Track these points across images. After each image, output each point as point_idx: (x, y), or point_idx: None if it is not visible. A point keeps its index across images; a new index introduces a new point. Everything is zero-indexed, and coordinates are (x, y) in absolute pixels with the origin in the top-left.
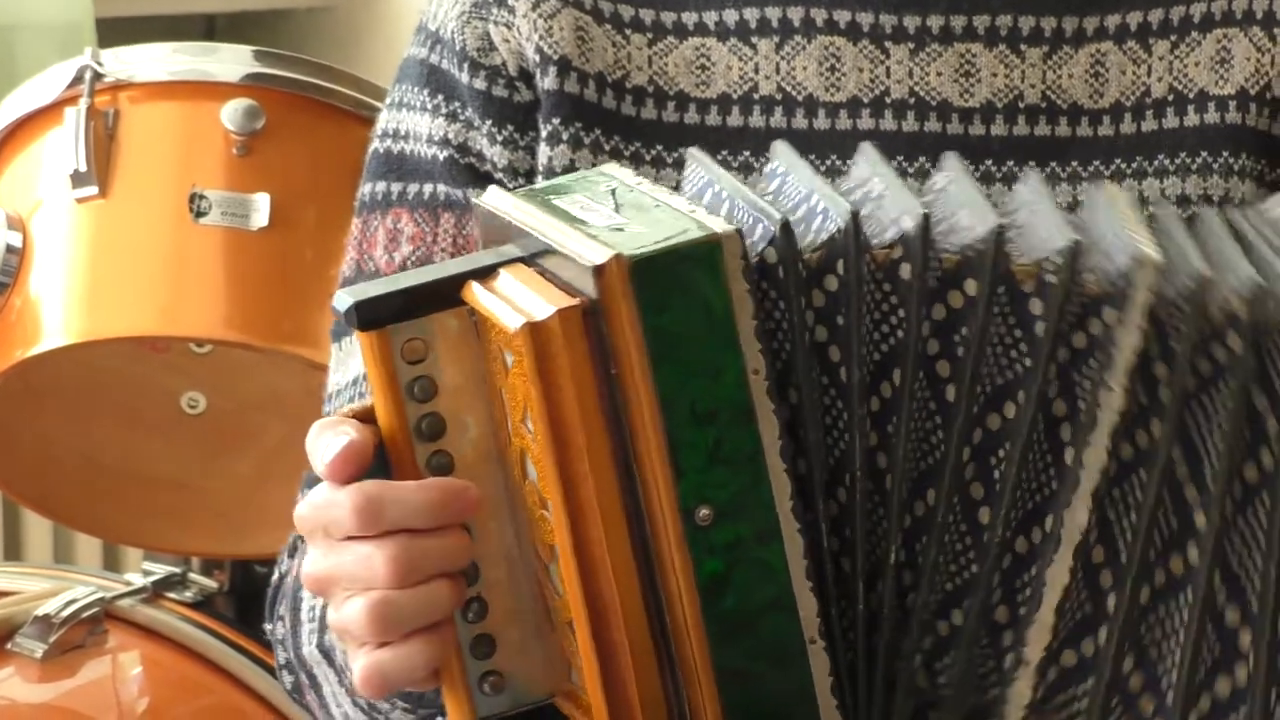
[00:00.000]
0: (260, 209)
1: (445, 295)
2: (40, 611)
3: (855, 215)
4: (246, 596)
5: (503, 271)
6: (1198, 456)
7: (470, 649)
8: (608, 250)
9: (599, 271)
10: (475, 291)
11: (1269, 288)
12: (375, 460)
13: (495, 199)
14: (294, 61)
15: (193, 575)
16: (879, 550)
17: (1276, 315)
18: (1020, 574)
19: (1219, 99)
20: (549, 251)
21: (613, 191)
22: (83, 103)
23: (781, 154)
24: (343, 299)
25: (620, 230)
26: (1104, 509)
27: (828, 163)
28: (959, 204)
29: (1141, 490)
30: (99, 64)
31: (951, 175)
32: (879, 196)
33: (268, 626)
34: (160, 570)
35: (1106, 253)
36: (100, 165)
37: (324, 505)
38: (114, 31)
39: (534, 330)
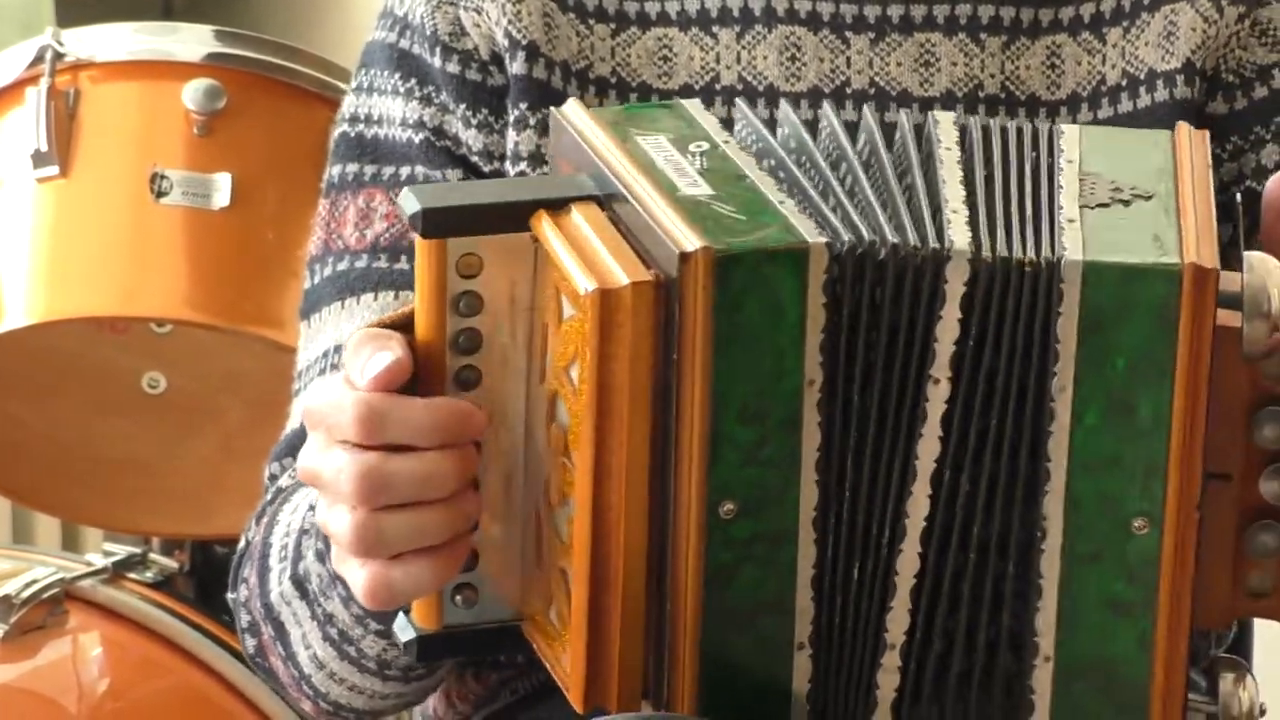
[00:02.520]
0: (221, 189)
1: (513, 218)
2: (0, 592)
3: (898, 248)
4: (207, 577)
5: (575, 209)
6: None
7: None
8: (697, 238)
9: (685, 258)
10: (546, 227)
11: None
12: None
13: (576, 117)
14: (255, 41)
15: (153, 556)
16: (860, 562)
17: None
18: (892, 565)
19: (1166, 74)
20: (625, 198)
21: (702, 153)
22: (44, 82)
23: (788, 122)
24: (410, 200)
25: (706, 205)
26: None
27: None
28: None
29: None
30: (60, 44)
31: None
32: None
33: (230, 595)
34: (121, 551)
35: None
36: (61, 145)
37: (332, 405)
38: (72, 10)
39: (605, 296)
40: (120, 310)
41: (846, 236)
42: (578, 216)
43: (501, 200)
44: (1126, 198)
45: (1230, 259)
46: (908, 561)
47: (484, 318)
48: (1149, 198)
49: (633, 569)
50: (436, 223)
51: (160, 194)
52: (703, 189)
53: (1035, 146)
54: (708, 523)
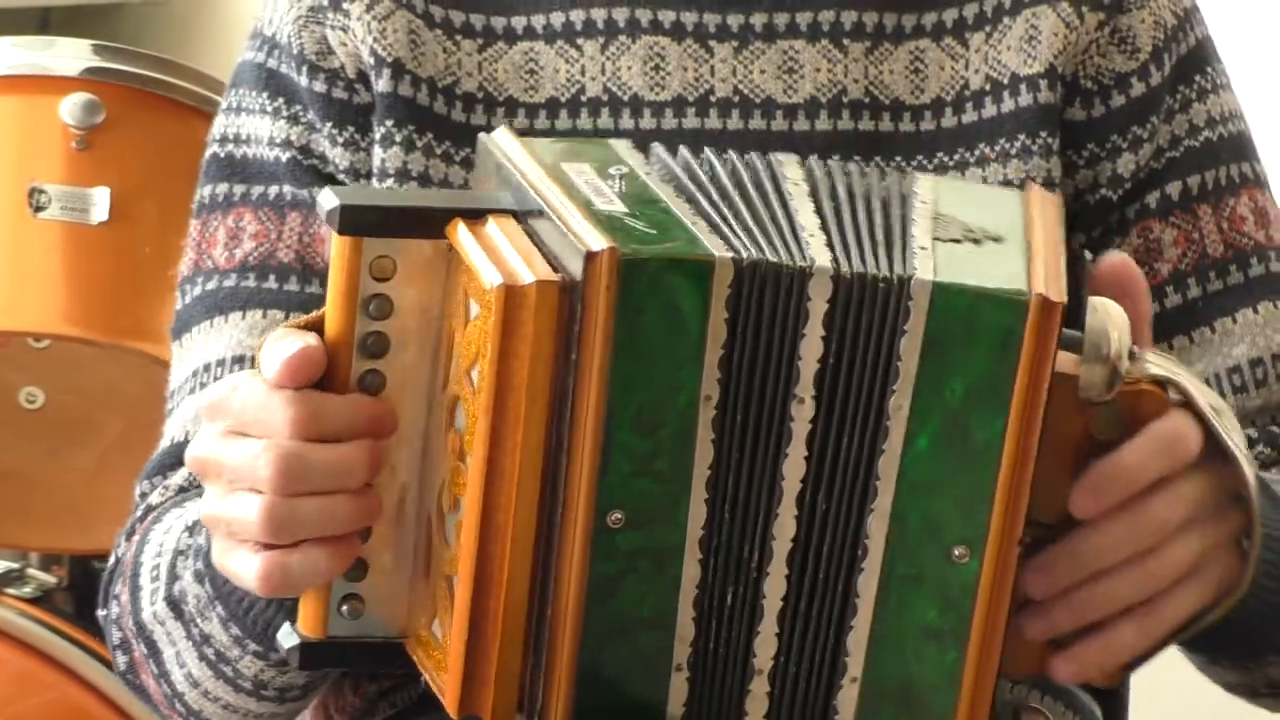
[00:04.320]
0: (100, 203)
1: (429, 224)
2: None
3: (780, 265)
4: (85, 592)
5: (491, 219)
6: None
7: None
8: (604, 240)
9: (590, 258)
10: (460, 232)
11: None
12: None
13: (504, 143)
14: (133, 55)
15: (31, 571)
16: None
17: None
18: (759, 589)
19: (1029, 79)
20: (543, 215)
21: (622, 177)
22: None
23: (659, 156)
24: (329, 197)
25: (620, 219)
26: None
27: None
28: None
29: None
30: None
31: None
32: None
33: (101, 612)
34: None
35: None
36: None
37: (258, 404)
38: None
39: (510, 292)
40: None
41: (745, 254)
42: (493, 227)
43: (420, 205)
44: (978, 238)
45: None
46: (775, 585)
47: (393, 323)
48: (1000, 240)
49: (517, 573)
50: (354, 220)
51: (38, 208)
52: (618, 207)
53: (885, 187)
54: (594, 530)
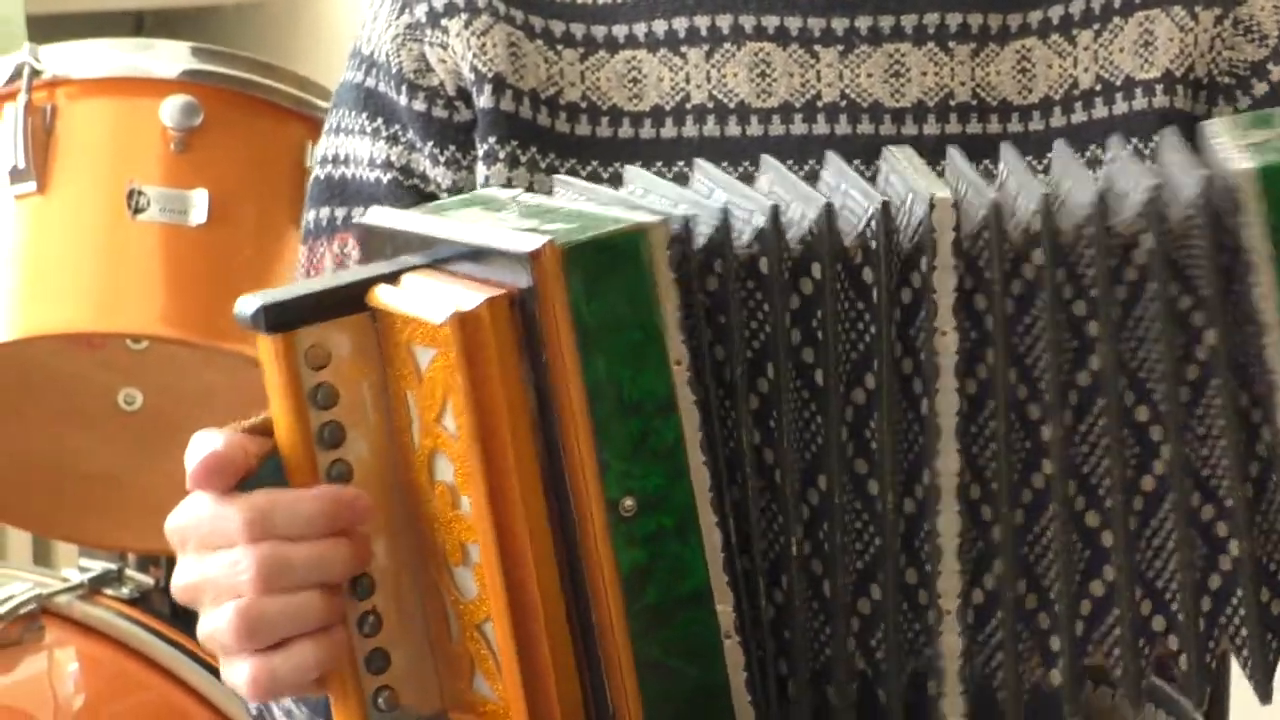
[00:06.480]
0: (198, 205)
1: (350, 300)
2: None
3: (725, 213)
4: None
5: (406, 276)
6: (1032, 374)
7: (365, 663)
8: (539, 238)
9: (534, 257)
10: (383, 293)
11: (1057, 195)
12: (270, 470)
13: (383, 218)
14: (231, 58)
15: (129, 572)
16: (778, 545)
17: (1071, 222)
18: (916, 533)
19: (1145, 83)
20: (453, 257)
21: (514, 198)
22: (21, 99)
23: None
24: (249, 302)
25: (536, 227)
26: (968, 447)
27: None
28: (789, 196)
29: (993, 419)
30: (37, 60)
31: (773, 175)
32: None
33: None
34: (97, 567)
35: (909, 208)
36: (38, 161)
37: (210, 517)
38: (44, 28)
39: (463, 320)
40: (96, 326)
41: (683, 218)
42: (411, 279)
43: (338, 284)
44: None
45: None
46: (949, 521)
47: (342, 409)
48: None
49: (549, 592)
50: (279, 317)
51: (137, 210)
52: (528, 222)
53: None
54: (612, 523)
